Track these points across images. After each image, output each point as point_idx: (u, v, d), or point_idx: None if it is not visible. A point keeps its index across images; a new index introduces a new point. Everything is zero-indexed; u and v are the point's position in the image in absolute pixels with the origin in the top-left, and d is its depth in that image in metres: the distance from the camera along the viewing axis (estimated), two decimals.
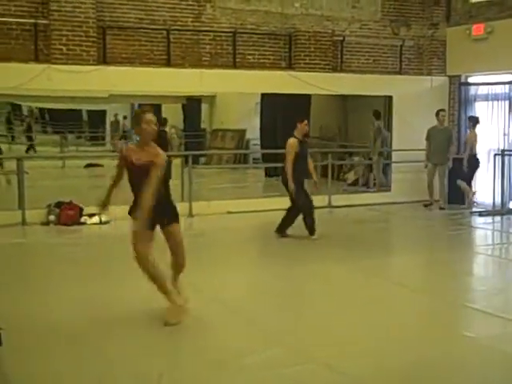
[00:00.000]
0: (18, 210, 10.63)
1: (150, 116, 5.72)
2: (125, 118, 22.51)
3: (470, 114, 13.57)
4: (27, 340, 5.42)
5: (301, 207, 9.55)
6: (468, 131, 13.08)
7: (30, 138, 21.15)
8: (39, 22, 10.89)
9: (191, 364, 4.97)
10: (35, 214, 10.69)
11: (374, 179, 14.71)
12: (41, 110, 21.59)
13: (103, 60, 11.32)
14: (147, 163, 5.55)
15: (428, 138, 12.95)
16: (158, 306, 6.37)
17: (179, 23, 11.89)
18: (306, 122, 9.74)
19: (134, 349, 5.28)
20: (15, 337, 5.31)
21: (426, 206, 12.99)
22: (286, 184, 9.58)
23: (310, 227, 9.58)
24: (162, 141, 13.50)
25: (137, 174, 5.64)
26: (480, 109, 13.57)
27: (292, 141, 9.50)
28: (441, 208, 12.85)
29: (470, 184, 12.91)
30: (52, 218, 10.70)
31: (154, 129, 5.71)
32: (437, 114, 12.91)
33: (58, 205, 10.88)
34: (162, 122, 14.14)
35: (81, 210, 10.91)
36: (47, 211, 10.79)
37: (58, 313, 6.16)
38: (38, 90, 11.23)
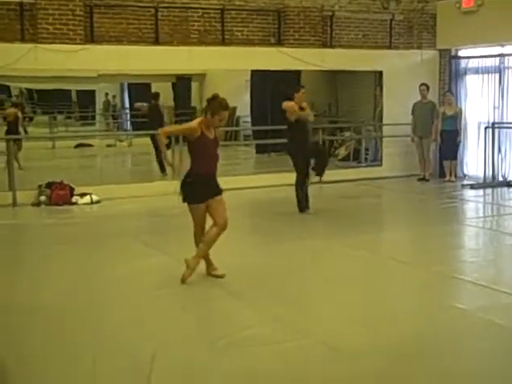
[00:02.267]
0: (9, 192, 10.60)
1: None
2: (114, 96, 22.36)
3: (461, 87, 13.58)
4: (18, 321, 5.42)
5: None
6: (448, 104, 13.07)
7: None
8: (25, 1, 10.78)
9: (184, 342, 4.97)
10: (26, 195, 10.66)
11: (366, 154, 14.71)
12: (29, 90, 21.41)
13: (91, 39, 11.22)
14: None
15: (413, 113, 13.12)
16: (149, 284, 6.39)
17: (167, 0, 11.78)
18: (302, 90, 9.61)
19: (127, 328, 5.29)
20: (6, 318, 5.32)
21: (419, 179, 13.06)
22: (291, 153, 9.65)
23: (297, 202, 9.65)
24: (157, 113, 13.53)
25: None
26: (470, 82, 13.54)
27: (291, 103, 9.41)
28: (425, 179, 12.99)
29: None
30: (43, 198, 10.66)
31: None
32: (419, 89, 13.03)
33: (49, 185, 10.84)
34: (153, 95, 14.16)
35: (72, 189, 10.89)
36: (38, 192, 10.75)
37: (50, 292, 6.17)
38: (25, 70, 11.12)
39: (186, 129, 6.50)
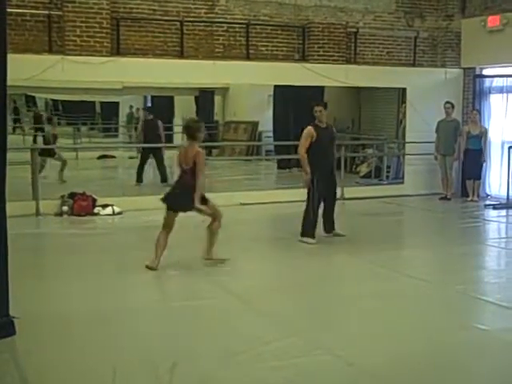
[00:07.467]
0: (32, 201, 10.69)
1: None
2: (137, 109, 22.55)
3: (485, 106, 13.52)
4: (40, 329, 5.47)
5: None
6: (473, 123, 12.99)
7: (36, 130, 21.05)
8: (53, 13, 10.93)
9: (205, 353, 4.97)
10: (49, 205, 10.76)
11: (387, 171, 14.67)
12: (54, 101, 21.64)
13: (117, 51, 11.33)
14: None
15: (437, 130, 13.10)
16: (170, 296, 6.40)
17: (192, 14, 11.88)
18: (315, 108, 8.91)
19: (148, 338, 5.31)
20: (28, 326, 5.36)
21: (441, 198, 13.00)
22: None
23: (302, 227, 9.03)
24: (153, 128, 13.65)
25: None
26: (495, 101, 13.47)
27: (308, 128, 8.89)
28: (447, 198, 12.93)
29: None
30: (65, 208, 10.75)
31: None
32: (443, 106, 13.05)
33: (72, 196, 10.94)
34: (148, 110, 14.33)
35: (94, 200, 10.97)
36: (61, 202, 10.85)
37: (71, 302, 6.21)
38: (51, 81, 11.24)
39: None
